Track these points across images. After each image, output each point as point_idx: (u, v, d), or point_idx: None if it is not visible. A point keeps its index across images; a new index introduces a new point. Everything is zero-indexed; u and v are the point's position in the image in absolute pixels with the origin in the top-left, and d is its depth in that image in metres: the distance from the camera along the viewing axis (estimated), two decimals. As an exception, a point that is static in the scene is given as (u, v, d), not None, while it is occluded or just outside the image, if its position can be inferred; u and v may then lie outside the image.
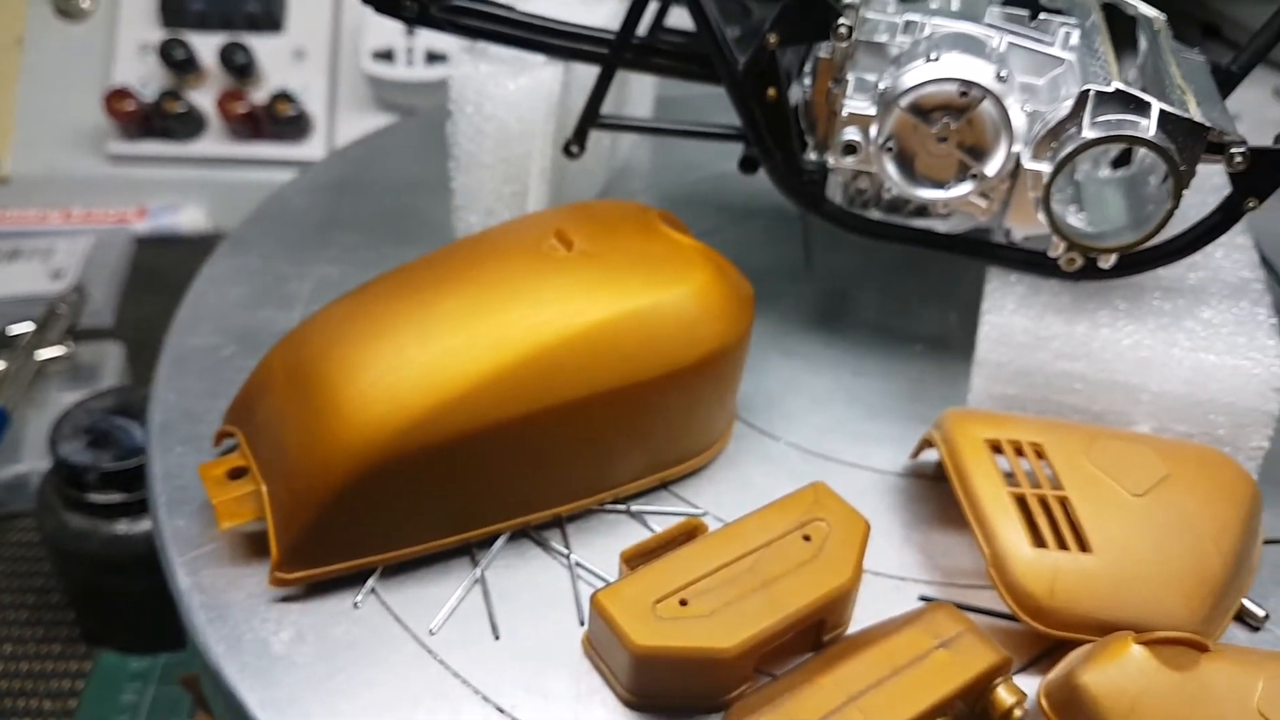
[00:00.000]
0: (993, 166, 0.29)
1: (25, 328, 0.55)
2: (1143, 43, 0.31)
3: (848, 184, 0.32)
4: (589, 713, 0.24)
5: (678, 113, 0.41)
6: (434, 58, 0.67)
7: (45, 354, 0.54)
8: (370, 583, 0.26)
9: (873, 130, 0.29)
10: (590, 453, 0.27)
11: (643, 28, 0.33)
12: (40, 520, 0.43)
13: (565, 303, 0.26)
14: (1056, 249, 0.29)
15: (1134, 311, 0.30)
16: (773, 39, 0.29)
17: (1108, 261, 0.29)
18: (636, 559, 0.25)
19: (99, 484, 0.41)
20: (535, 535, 0.28)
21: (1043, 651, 0.25)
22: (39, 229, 0.67)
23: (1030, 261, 0.31)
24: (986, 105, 0.28)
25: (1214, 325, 0.30)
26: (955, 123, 0.29)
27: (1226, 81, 0.31)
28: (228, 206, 0.67)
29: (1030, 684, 0.24)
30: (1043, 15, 0.30)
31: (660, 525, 0.28)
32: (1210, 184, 0.34)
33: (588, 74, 0.34)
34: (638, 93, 0.42)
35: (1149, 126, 0.26)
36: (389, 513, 0.25)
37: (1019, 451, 0.27)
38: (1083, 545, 0.25)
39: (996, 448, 0.27)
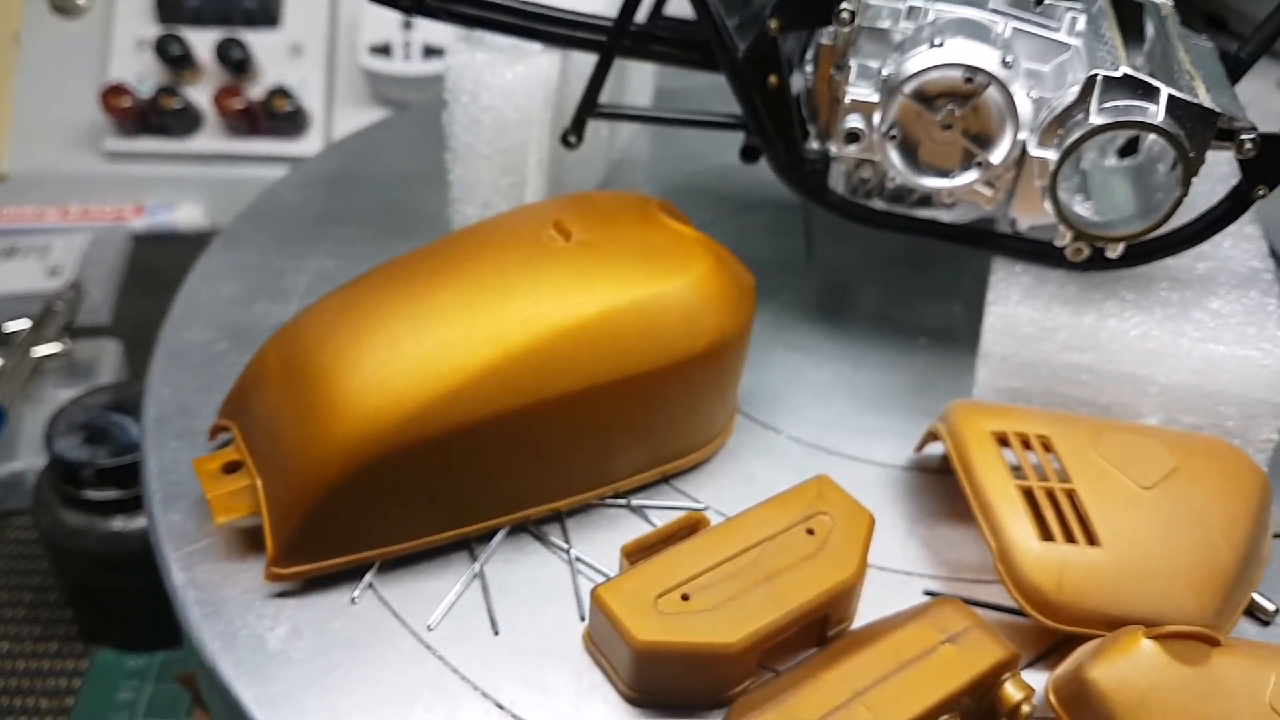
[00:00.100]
0: (998, 154, 0.29)
1: (22, 325, 0.55)
2: (1150, 29, 0.31)
3: (850, 173, 0.32)
4: (589, 709, 0.23)
5: (677, 103, 0.41)
6: (431, 52, 0.67)
7: (42, 351, 0.54)
8: (368, 578, 0.26)
9: (876, 118, 0.29)
10: (590, 446, 0.27)
11: (641, 14, 0.32)
12: (37, 517, 0.43)
13: (564, 294, 0.26)
14: (1063, 238, 0.29)
15: (1141, 302, 0.30)
16: (774, 25, 0.29)
17: (1115, 251, 0.29)
18: (637, 553, 0.25)
19: (95, 480, 0.41)
20: (534, 530, 0.27)
21: (1050, 646, 0.25)
22: (36, 226, 0.67)
23: (1036, 251, 0.31)
24: (991, 92, 0.28)
25: (1223, 315, 0.29)
26: (960, 110, 0.28)
27: (1235, 68, 0.31)
28: (225, 203, 0.67)
29: (1038, 679, 0.23)
30: (1048, 0, 0.29)
31: (661, 520, 0.28)
32: (1217, 173, 0.33)
33: (585, 62, 0.34)
34: (637, 82, 0.42)
35: (1158, 112, 0.26)
36: (386, 507, 0.25)
37: (1026, 444, 0.27)
38: (1091, 539, 0.25)
39: (1003, 440, 0.27)
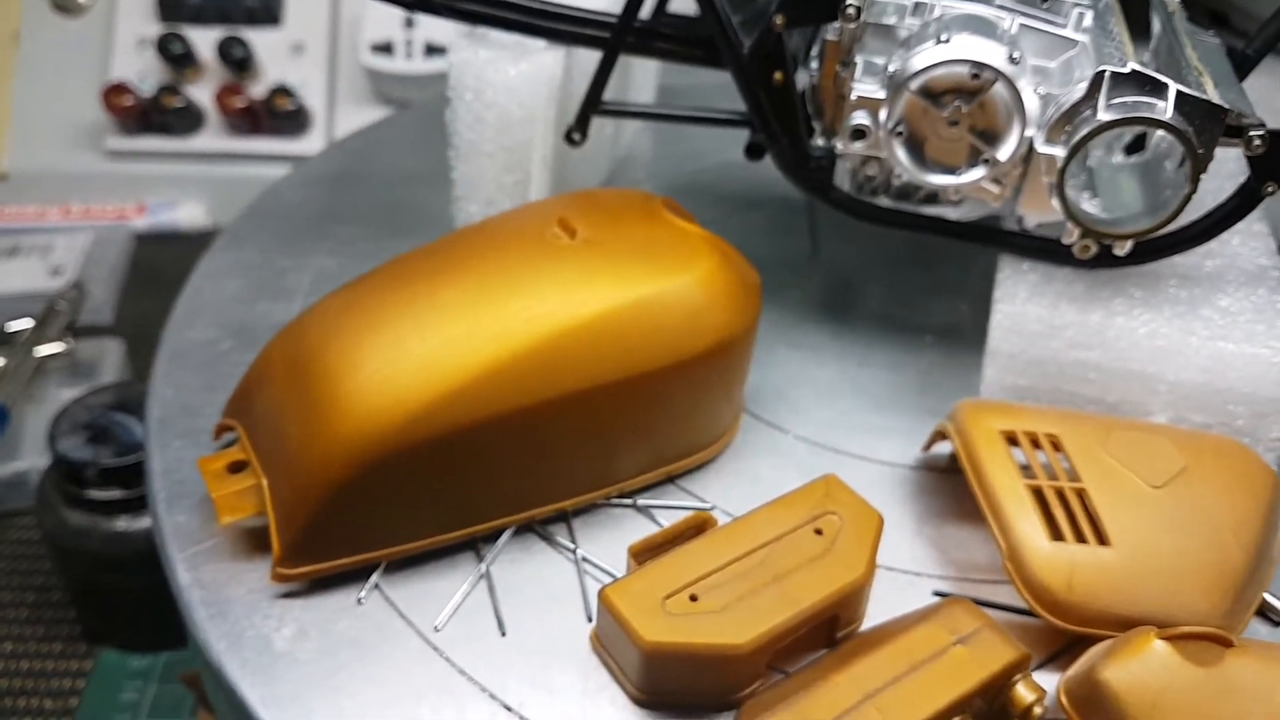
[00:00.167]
0: (1005, 151, 0.28)
1: (24, 324, 0.55)
2: (1156, 25, 0.30)
3: (856, 170, 0.32)
4: (597, 710, 0.23)
5: (680, 101, 0.40)
6: (433, 50, 0.67)
7: (44, 350, 0.54)
8: (374, 578, 0.26)
9: (882, 114, 0.29)
10: (595, 446, 0.27)
11: (645, 11, 0.32)
12: (40, 517, 0.43)
13: (569, 292, 0.26)
14: (1070, 236, 0.28)
15: (1150, 299, 0.30)
16: (779, 21, 0.29)
17: (1123, 248, 0.29)
18: (645, 554, 0.24)
19: (98, 480, 0.41)
20: (540, 530, 0.27)
21: (1061, 647, 0.25)
22: (38, 225, 0.67)
23: (1043, 249, 0.30)
24: (998, 88, 0.28)
25: (1232, 313, 0.29)
26: (967, 106, 0.28)
27: (1241, 65, 0.31)
28: (226, 202, 0.67)
29: (1048, 680, 0.23)
30: (1055, -4, 0.29)
31: (667, 519, 0.28)
32: (1224, 170, 0.33)
33: (589, 59, 0.33)
34: (640, 80, 0.42)
35: (1166, 109, 0.26)
36: (392, 507, 0.25)
37: (1035, 443, 0.27)
38: (1101, 538, 0.24)
39: (1012, 439, 0.27)
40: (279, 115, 0.66)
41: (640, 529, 0.27)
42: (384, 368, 0.24)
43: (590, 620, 0.25)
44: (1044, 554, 0.24)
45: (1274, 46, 0.31)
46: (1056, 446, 0.26)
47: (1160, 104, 0.26)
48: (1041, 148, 0.28)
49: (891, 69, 0.28)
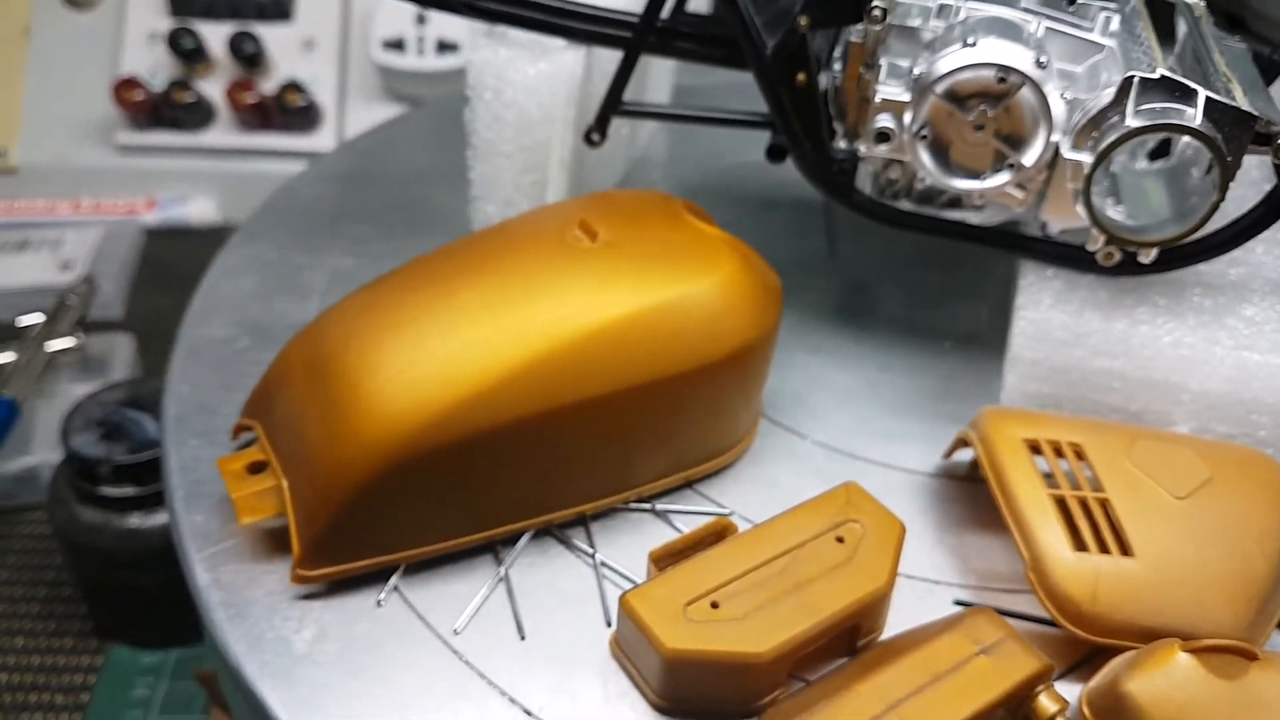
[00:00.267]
0: (1030, 156, 0.28)
1: (35, 319, 0.55)
2: (1182, 29, 0.30)
3: (879, 173, 0.31)
4: (617, 716, 0.23)
5: (696, 101, 0.40)
6: (445, 47, 0.67)
7: (55, 345, 0.54)
8: (393, 580, 0.25)
9: (906, 117, 0.28)
10: (614, 450, 0.27)
11: (665, 11, 0.32)
12: (52, 513, 0.43)
13: (591, 295, 0.26)
14: (1095, 242, 0.28)
15: (1174, 308, 0.29)
16: (803, 22, 0.29)
17: (1148, 256, 0.28)
18: (665, 559, 0.24)
19: (111, 477, 0.41)
20: (559, 534, 0.27)
21: (1083, 658, 0.25)
22: (48, 219, 0.67)
23: (1066, 255, 0.30)
24: (1025, 92, 0.27)
25: (1257, 323, 0.29)
26: (992, 110, 0.28)
27: (1266, 71, 0.30)
28: (237, 198, 0.67)
29: (1069, 691, 0.23)
30: (1081, 0, 0.29)
31: (686, 524, 0.28)
32: (1248, 177, 0.33)
33: (608, 59, 0.33)
34: (656, 80, 0.42)
35: (1195, 115, 0.25)
36: (412, 509, 0.25)
37: (1058, 452, 0.26)
38: (1125, 549, 0.24)
39: (1035, 448, 0.26)
40: (290, 111, 0.66)
41: (658, 534, 0.27)
42: (405, 370, 0.24)
43: (609, 625, 0.25)
44: (1067, 564, 0.24)
45: (1300, 52, 0.31)
46: (1080, 456, 0.26)
47: (1189, 110, 0.26)
48: (1067, 153, 0.27)
49: (917, 72, 0.28)
